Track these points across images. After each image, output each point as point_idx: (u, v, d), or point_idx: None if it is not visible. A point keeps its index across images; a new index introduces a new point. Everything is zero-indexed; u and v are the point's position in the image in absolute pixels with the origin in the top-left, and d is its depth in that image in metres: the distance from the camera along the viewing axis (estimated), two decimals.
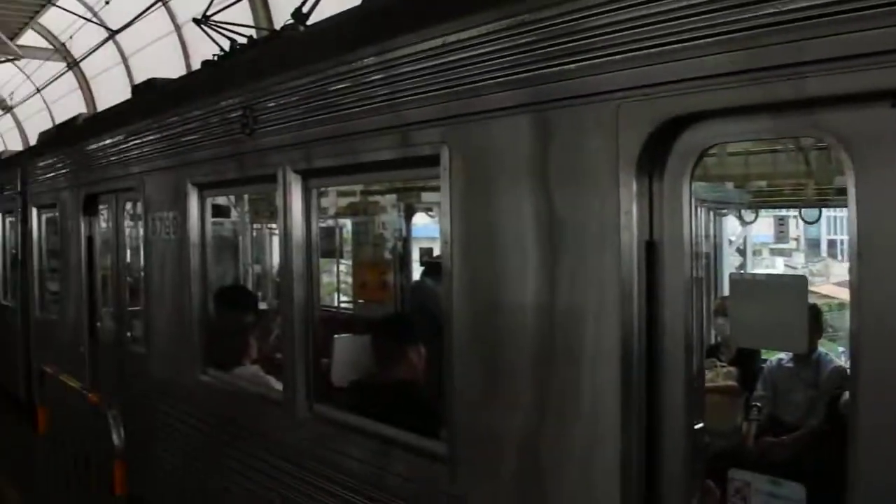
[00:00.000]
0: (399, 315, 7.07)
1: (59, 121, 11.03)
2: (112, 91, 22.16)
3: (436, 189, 3.83)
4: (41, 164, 9.51)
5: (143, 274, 6.54)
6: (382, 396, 4.34)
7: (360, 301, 6.79)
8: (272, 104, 4.73)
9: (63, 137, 9.31)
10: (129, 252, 7.22)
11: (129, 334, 7.13)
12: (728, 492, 2.86)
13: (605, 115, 2.84)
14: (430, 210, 8.49)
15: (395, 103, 3.80)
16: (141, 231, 6.59)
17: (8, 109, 31.20)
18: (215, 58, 6.12)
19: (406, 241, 8.69)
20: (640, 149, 2.75)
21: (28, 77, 29.37)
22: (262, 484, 4.89)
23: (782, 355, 5.94)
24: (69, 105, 26.01)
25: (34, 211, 9.84)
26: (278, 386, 4.95)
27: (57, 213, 8.83)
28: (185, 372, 5.84)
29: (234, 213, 7.98)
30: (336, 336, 5.21)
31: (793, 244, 8.15)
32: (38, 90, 28.73)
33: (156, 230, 6.25)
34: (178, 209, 5.87)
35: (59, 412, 5.20)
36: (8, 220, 11.50)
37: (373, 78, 3.93)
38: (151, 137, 6.24)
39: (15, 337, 10.72)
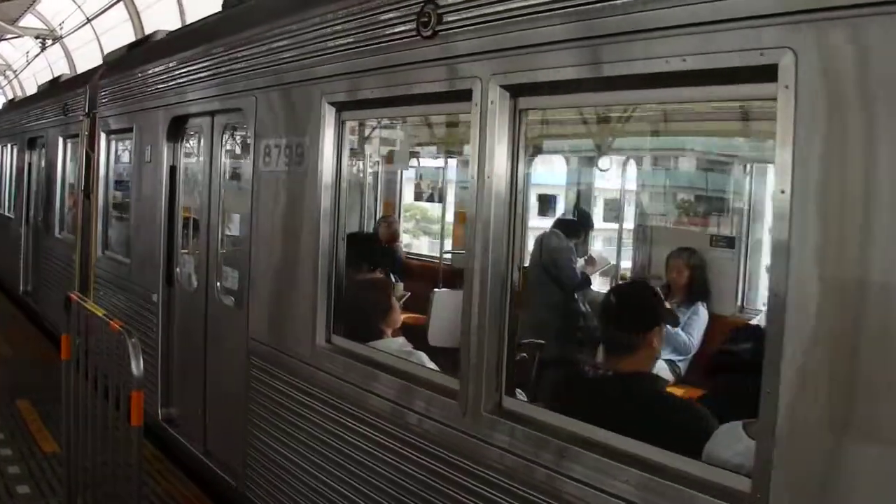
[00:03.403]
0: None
1: (108, 52, 10.00)
2: (164, 22, 21.14)
3: None
4: (115, 83, 8.37)
5: (248, 212, 5.37)
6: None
7: None
8: None
9: (143, 54, 8.16)
10: (224, 185, 6.06)
11: (218, 284, 6.00)
12: None
13: None
14: None
15: None
16: (247, 160, 5.43)
17: (57, 39, 30.32)
18: None
19: None
20: None
21: (79, 7, 28.54)
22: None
23: None
24: (119, 36, 25.01)
25: (103, 136, 8.72)
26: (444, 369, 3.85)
27: (132, 139, 7.70)
28: (299, 337, 4.70)
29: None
30: None
31: None
32: (89, 20, 28.04)
33: (270, 159, 5.09)
34: (307, 134, 4.70)
35: (81, 339, 4.98)
36: (70, 145, 10.43)
37: None
38: (275, 45, 5.04)
39: (70, 275, 9.69)
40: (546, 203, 7.96)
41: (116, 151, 8.62)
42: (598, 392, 3.26)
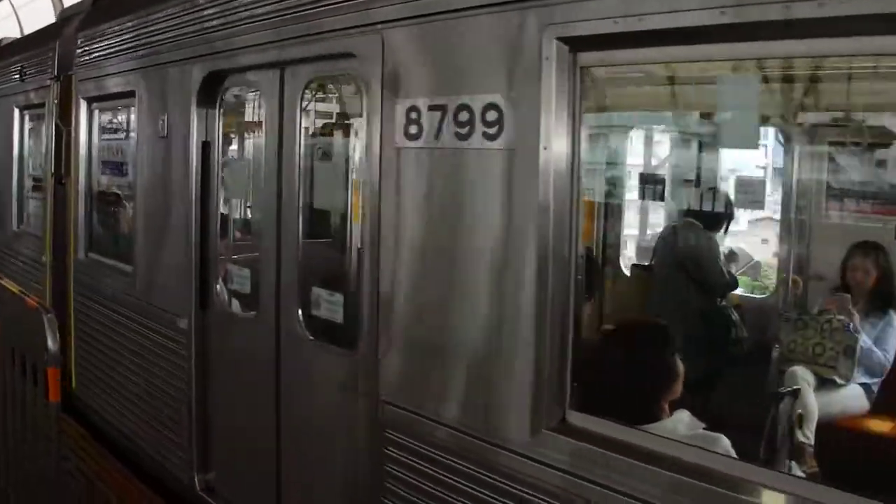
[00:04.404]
0: None
1: (27, 28, 8.09)
2: None
3: None
4: (104, 35, 6.37)
5: (373, 209, 3.57)
6: None
7: None
8: None
9: None
10: (309, 168, 4.22)
11: (300, 312, 4.17)
12: None
13: None
14: None
15: None
16: (363, 131, 3.64)
17: None
18: None
19: None
20: None
21: None
22: None
23: None
24: (39, 10, 23.45)
25: (83, 105, 6.71)
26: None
27: (135, 107, 5.76)
28: (500, 410, 2.97)
29: None
30: None
31: None
32: None
33: (418, 130, 3.31)
34: (506, 88, 2.95)
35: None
36: (29, 117, 8.33)
37: None
38: None
39: (33, 279, 7.65)
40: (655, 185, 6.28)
41: (108, 123, 6.64)
42: None
